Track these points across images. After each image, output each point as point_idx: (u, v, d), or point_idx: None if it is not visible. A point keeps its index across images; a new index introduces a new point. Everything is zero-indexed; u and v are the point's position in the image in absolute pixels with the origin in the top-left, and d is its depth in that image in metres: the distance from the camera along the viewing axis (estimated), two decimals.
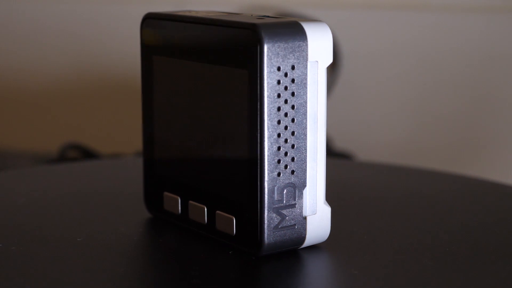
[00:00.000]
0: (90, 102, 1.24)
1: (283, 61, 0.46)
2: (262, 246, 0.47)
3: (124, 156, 0.93)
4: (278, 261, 0.47)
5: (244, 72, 0.46)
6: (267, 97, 0.45)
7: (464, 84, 1.09)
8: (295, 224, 0.47)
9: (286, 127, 0.46)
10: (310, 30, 0.47)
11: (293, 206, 0.47)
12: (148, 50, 0.52)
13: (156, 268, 0.48)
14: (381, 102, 1.12)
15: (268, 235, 0.47)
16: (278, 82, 0.46)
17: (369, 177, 0.65)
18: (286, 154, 0.47)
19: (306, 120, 0.47)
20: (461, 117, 1.10)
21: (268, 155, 0.46)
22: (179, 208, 0.52)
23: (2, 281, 0.45)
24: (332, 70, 1.01)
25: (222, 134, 0.48)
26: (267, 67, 0.45)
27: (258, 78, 0.45)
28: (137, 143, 0.71)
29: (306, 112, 0.47)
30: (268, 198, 0.46)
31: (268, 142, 0.46)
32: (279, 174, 0.47)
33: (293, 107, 0.46)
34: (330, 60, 0.47)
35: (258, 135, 0.46)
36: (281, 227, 0.47)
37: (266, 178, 0.46)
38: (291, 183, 0.47)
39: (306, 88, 0.47)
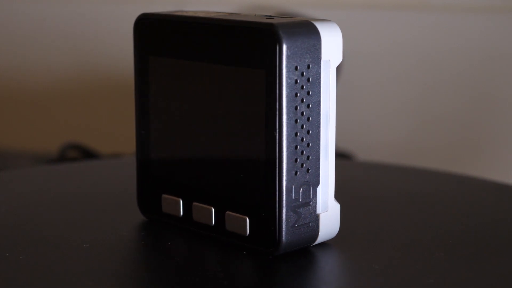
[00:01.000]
0: (90, 102, 1.24)
1: (300, 60, 0.46)
2: (280, 245, 0.47)
3: (124, 156, 0.93)
4: (294, 260, 0.48)
5: (261, 72, 0.46)
6: (286, 96, 0.46)
7: (464, 84, 1.09)
8: (309, 222, 0.48)
9: (302, 126, 0.47)
10: (323, 29, 0.47)
11: (308, 204, 0.48)
12: (143, 51, 0.52)
13: (173, 271, 0.47)
14: (381, 102, 1.12)
15: (286, 234, 0.47)
16: (296, 81, 0.46)
17: (369, 177, 0.65)
18: (302, 152, 0.47)
19: (320, 119, 0.47)
20: (461, 117, 1.10)
21: (286, 154, 0.46)
22: (181, 210, 0.51)
23: (1, 281, 0.45)
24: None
25: (234, 134, 0.48)
26: (286, 66, 0.45)
27: (277, 78, 0.45)
28: None
29: (320, 110, 0.47)
30: (286, 197, 0.47)
31: (286, 142, 0.46)
32: (296, 173, 0.47)
33: (308, 106, 0.47)
34: (340, 59, 0.48)
35: (277, 134, 0.46)
36: (297, 226, 0.47)
37: (284, 177, 0.46)
38: (307, 181, 0.47)
39: (320, 87, 0.47)
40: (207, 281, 0.45)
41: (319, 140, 0.48)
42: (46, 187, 0.63)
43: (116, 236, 0.52)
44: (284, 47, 0.45)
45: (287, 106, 0.46)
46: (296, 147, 0.47)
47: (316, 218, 0.48)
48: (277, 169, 0.46)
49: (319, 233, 0.48)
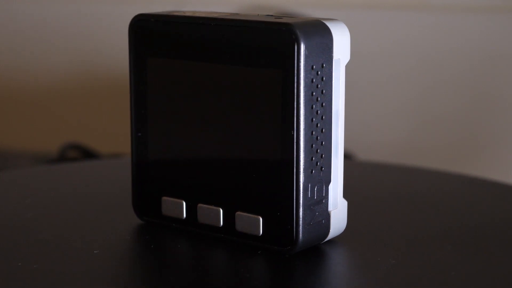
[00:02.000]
0: (90, 102, 1.24)
1: (315, 59, 0.46)
2: (297, 244, 0.47)
3: (124, 156, 0.93)
4: (307, 257, 0.48)
5: (278, 71, 0.46)
6: (304, 95, 0.46)
7: (464, 84, 1.09)
8: (322, 220, 0.48)
9: (317, 125, 0.47)
10: (333, 28, 0.47)
11: (321, 202, 0.48)
12: (141, 53, 0.51)
13: (193, 275, 0.47)
14: (381, 102, 1.12)
15: (303, 232, 0.47)
16: (312, 80, 0.46)
17: (369, 177, 0.65)
18: (317, 151, 0.47)
19: (331, 117, 0.48)
20: (461, 117, 1.10)
21: (303, 153, 0.46)
22: (184, 212, 0.51)
23: (1, 281, 0.45)
24: None
25: (246, 134, 0.48)
26: (304, 66, 0.46)
27: (295, 77, 0.46)
28: None
29: (331, 109, 0.48)
30: (303, 196, 0.47)
31: (303, 140, 0.46)
32: (311, 172, 0.47)
33: (322, 104, 0.47)
34: (348, 57, 0.48)
35: (294, 133, 0.46)
36: (312, 224, 0.48)
37: (301, 176, 0.47)
38: (321, 179, 0.48)
39: (332, 85, 0.47)
40: (231, 282, 0.46)
41: (331, 138, 0.48)
42: (46, 187, 0.63)
43: (117, 237, 0.52)
44: (302, 46, 0.45)
45: (304, 105, 0.46)
46: (312, 146, 0.47)
47: (328, 215, 0.49)
48: (294, 168, 0.47)
49: (330, 230, 0.49)
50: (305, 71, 0.46)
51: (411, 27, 1.11)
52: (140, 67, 0.51)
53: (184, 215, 0.51)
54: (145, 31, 0.51)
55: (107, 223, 0.54)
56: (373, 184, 0.63)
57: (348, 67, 0.49)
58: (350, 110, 1.04)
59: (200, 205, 0.50)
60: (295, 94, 0.46)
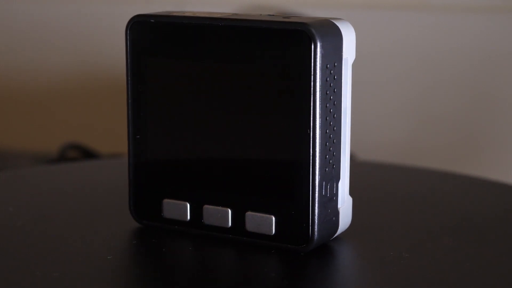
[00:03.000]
0: (90, 102, 1.24)
1: (329, 59, 0.46)
2: (313, 242, 0.47)
3: (124, 156, 0.93)
4: (321, 254, 0.48)
5: (294, 71, 0.46)
6: (320, 95, 0.46)
7: (464, 84, 1.09)
8: (333, 217, 0.49)
9: (330, 123, 0.47)
10: (342, 28, 0.48)
11: (332, 199, 0.48)
12: (139, 53, 0.50)
13: (207, 278, 0.47)
14: (381, 102, 1.12)
15: (318, 230, 0.47)
16: (326, 79, 0.46)
17: (369, 177, 0.65)
18: (330, 149, 0.47)
19: (341, 115, 0.48)
20: (461, 117, 1.10)
21: (319, 152, 0.47)
22: (188, 214, 0.51)
23: (0, 281, 0.45)
24: None
25: (257, 134, 0.48)
26: (320, 65, 0.46)
27: (312, 76, 0.46)
28: None
29: (341, 107, 0.48)
30: (318, 194, 0.47)
31: (319, 139, 0.47)
32: (326, 170, 0.47)
33: (334, 103, 0.47)
34: (354, 56, 0.48)
35: (311, 132, 0.46)
36: (325, 221, 0.48)
37: (317, 175, 0.47)
38: (333, 177, 0.48)
39: (341, 84, 0.48)
40: (256, 282, 0.46)
41: (340, 136, 0.48)
42: (46, 187, 0.63)
43: (117, 237, 0.52)
44: (319, 46, 0.46)
45: (320, 104, 0.46)
46: (326, 144, 0.47)
47: (337, 212, 0.49)
48: (310, 166, 0.47)
49: (339, 227, 0.49)
50: (321, 70, 0.46)
51: (411, 27, 1.11)
52: (139, 69, 0.51)
53: (188, 217, 0.51)
54: (144, 32, 0.50)
55: (107, 223, 0.54)
56: (373, 184, 0.63)
57: None
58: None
59: (206, 206, 0.50)
60: (312, 93, 0.46)
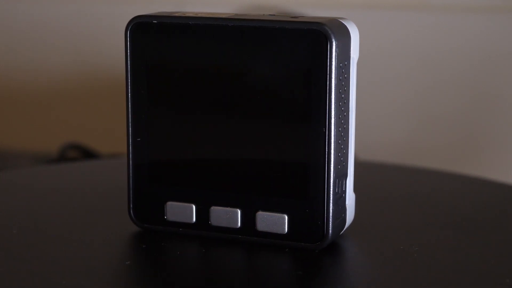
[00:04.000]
0: (90, 102, 1.24)
1: (341, 58, 0.47)
2: (327, 239, 0.48)
3: (124, 156, 0.93)
4: (332, 251, 0.49)
5: (309, 70, 0.46)
6: (335, 93, 0.46)
7: (464, 84, 1.09)
8: (342, 213, 0.49)
9: (342, 121, 0.48)
10: (349, 28, 0.48)
11: (342, 196, 0.49)
12: (141, 55, 0.49)
13: (221, 280, 0.47)
14: (381, 102, 1.12)
15: (332, 227, 0.48)
16: (340, 78, 0.47)
17: (369, 177, 0.65)
18: (341, 147, 0.48)
19: (349, 113, 0.48)
20: (461, 117, 1.10)
21: (334, 150, 0.47)
22: (194, 216, 0.50)
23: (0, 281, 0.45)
24: None
25: (269, 134, 0.48)
26: (335, 64, 0.46)
27: (328, 75, 0.46)
28: None
29: (349, 105, 0.48)
30: (333, 192, 0.47)
31: (334, 137, 0.47)
32: (338, 167, 0.48)
33: (344, 101, 0.48)
34: (358, 55, 0.49)
35: (326, 131, 0.47)
36: (337, 218, 0.48)
37: (332, 173, 0.47)
38: (343, 174, 0.48)
39: (349, 82, 0.48)
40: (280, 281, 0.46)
41: (348, 134, 0.49)
42: (46, 187, 0.63)
43: (117, 237, 0.52)
44: (334, 45, 0.46)
45: (335, 103, 0.47)
46: (339, 142, 0.47)
47: (345, 209, 0.49)
48: (326, 164, 0.47)
49: (346, 223, 0.50)
50: (336, 69, 0.46)
51: (411, 27, 1.11)
52: (140, 71, 0.50)
53: (194, 219, 0.50)
54: (146, 33, 0.49)
55: (107, 223, 0.54)
56: (373, 184, 0.63)
57: None
58: None
59: (213, 207, 0.50)
60: (327, 92, 0.46)
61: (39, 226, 0.53)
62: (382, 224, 0.54)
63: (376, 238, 0.51)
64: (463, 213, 0.57)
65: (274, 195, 0.48)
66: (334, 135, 0.47)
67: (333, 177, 0.47)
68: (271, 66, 0.47)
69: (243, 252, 0.49)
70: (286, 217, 0.48)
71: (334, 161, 0.47)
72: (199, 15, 0.49)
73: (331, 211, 0.47)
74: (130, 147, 0.51)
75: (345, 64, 0.47)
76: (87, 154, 0.95)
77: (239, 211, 0.49)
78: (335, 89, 0.46)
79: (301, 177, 0.47)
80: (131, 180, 0.51)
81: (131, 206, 0.51)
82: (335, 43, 0.46)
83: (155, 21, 0.49)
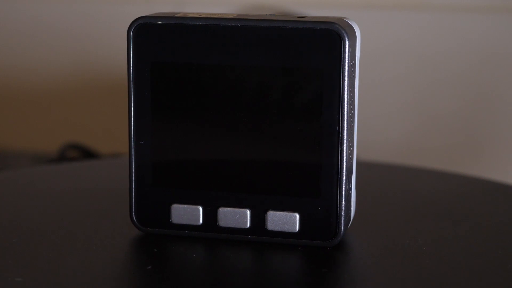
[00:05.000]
0: (90, 102, 1.24)
1: (352, 57, 0.47)
2: (339, 235, 0.48)
3: (124, 156, 0.93)
4: (344, 247, 0.49)
5: (321, 70, 0.47)
6: (347, 92, 0.47)
7: (464, 84, 1.09)
8: (350, 210, 0.49)
9: (351, 119, 0.48)
10: (355, 28, 0.49)
11: (350, 192, 0.49)
12: (144, 57, 0.49)
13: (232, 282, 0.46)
14: (381, 102, 1.12)
15: (344, 224, 0.48)
16: (350, 77, 0.47)
17: (369, 177, 0.65)
18: (350, 144, 0.48)
19: (355, 111, 0.49)
20: (461, 117, 1.10)
21: (345, 146, 0.47)
22: (200, 218, 0.50)
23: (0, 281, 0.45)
24: None
25: (281, 133, 0.48)
26: (348, 63, 0.47)
27: (341, 75, 0.47)
28: None
29: (355, 104, 0.49)
30: (345, 189, 0.48)
31: (346, 135, 0.47)
32: (348, 164, 0.48)
33: (352, 99, 0.48)
34: (359, 55, 0.49)
35: (339, 129, 0.47)
36: (346, 214, 0.49)
37: (344, 171, 0.48)
38: (351, 171, 0.49)
39: (355, 81, 0.48)
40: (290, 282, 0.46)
41: (354, 131, 0.49)
42: (46, 187, 0.63)
43: (116, 237, 0.52)
44: (347, 44, 0.46)
45: (347, 101, 0.47)
46: (349, 140, 0.48)
47: (351, 205, 0.50)
48: (339, 162, 0.47)
49: (351, 218, 0.50)
50: (348, 68, 0.47)
51: (411, 27, 1.11)
52: (143, 72, 0.49)
53: (201, 221, 0.50)
54: (149, 34, 0.49)
55: (107, 223, 0.54)
56: (373, 184, 0.63)
57: None
58: None
59: (221, 208, 0.49)
60: (340, 90, 0.47)
61: (38, 226, 0.53)
62: (383, 221, 0.54)
63: (378, 234, 0.52)
64: (463, 214, 0.57)
65: (285, 194, 0.48)
66: (345, 134, 0.47)
67: (345, 174, 0.48)
68: (282, 66, 0.47)
69: (254, 252, 0.49)
70: (298, 215, 0.48)
71: (346, 159, 0.47)
72: (202, 15, 0.49)
73: (343, 208, 0.48)
74: (132, 150, 0.50)
75: (353, 63, 0.48)
76: (87, 154, 0.95)
77: (248, 212, 0.49)
78: (347, 88, 0.47)
79: (313, 176, 0.48)
80: (133, 183, 0.50)
81: (134, 209, 0.51)
82: (348, 42, 0.46)
83: (159, 22, 0.49)
